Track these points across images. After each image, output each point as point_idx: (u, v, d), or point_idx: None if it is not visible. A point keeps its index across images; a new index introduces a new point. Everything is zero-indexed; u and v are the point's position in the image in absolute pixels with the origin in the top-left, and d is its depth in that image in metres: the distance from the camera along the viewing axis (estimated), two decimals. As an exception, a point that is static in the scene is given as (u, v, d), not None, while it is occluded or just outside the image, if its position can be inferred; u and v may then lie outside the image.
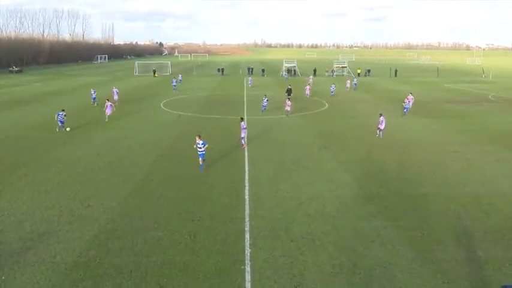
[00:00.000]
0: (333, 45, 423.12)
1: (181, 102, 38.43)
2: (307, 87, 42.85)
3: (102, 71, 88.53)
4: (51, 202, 13.53)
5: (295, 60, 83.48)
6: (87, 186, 15.03)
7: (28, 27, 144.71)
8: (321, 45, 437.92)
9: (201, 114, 31.36)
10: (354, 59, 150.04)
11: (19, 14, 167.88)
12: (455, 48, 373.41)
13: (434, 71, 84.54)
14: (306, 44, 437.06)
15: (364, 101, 40.23)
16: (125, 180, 15.77)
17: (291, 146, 21.32)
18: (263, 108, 31.89)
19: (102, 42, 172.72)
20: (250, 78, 58.40)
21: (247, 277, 9.32)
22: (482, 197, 14.26)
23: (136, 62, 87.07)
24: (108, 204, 13.36)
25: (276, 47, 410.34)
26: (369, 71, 79.51)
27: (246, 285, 9.03)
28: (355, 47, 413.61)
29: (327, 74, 76.62)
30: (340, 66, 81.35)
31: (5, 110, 32.79)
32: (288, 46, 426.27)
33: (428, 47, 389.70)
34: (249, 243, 10.81)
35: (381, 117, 23.08)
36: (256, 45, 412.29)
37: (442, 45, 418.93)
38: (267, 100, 32.37)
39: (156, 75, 71.44)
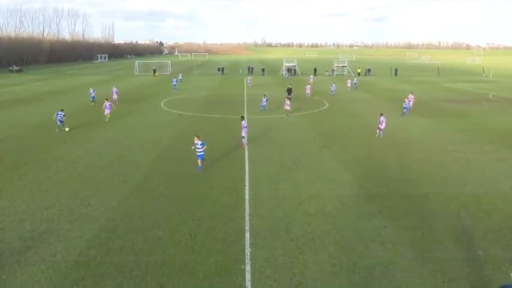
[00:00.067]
0: (333, 45, 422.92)
1: (182, 101, 38.43)
2: (308, 86, 42.78)
3: (102, 70, 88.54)
4: (52, 201, 13.54)
5: (296, 60, 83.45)
6: (87, 185, 15.04)
7: (28, 26, 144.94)
8: (321, 44, 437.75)
9: (201, 114, 31.36)
10: (354, 59, 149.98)
11: (19, 13, 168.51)
12: (456, 48, 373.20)
13: (435, 71, 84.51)
14: (306, 44, 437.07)
15: (365, 100, 40.22)
16: (125, 179, 15.78)
17: (291, 145, 21.32)
18: (262, 108, 31.80)
19: (102, 41, 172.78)
20: (249, 77, 58.32)
21: (248, 276, 9.33)
22: (482, 196, 14.26)
23: (136, 62, 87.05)
24: (108, 204, 13.37)
25: (276, 46, 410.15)
26: (369, 70, 79.49)
27: (246, 285, 9.04)
28: (355, 46, 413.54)
29: (327, 73, 76.61)
30: (341, 65, 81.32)
31: (5, 109, 32.80)
32: (288, 45, 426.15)
33: (429, 47, 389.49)
34: (249, 243, 10.82)
35: (381, 117, 23.08)
36: (256, 45, 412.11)
37: (442, 45, 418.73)
38: (266, 100, 32.26)
39: (156, 74, 71.44)
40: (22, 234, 11.22)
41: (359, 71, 76.20)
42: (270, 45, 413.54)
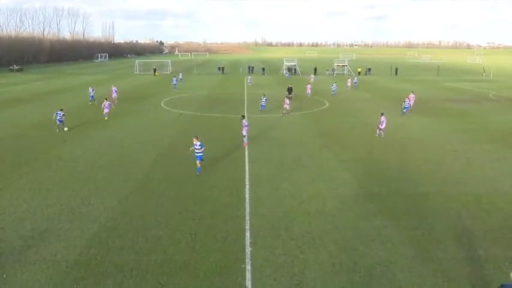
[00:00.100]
0: (334, 44, 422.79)
1: (182, 100, 38.43)
2: (309, 86, 42.51)
3: (102, 69, 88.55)
4: (52, 200, 13.55)
5: (296, 59, 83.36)
6: (87, 185, 15.05)
7: (28, 25, 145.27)
8: (321, 43, 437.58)
9: (201, 113, 31.36)
10: (354, 58, 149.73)
11: (19, 13, 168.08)
12: (456, 47, 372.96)
13: (435, 70, 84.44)
14: (306, 43, 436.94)
15: (365, 100, 40.20)
16: (125, 178, 15.78)
17: (291, 144, 21.32)
18: (262, 108, 31.59)
19: (103, 40, 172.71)
20: (249, 77, 58.20)
21: (248, 275, 9.33)
22: (482, 195, 14.26)
23: (136, 61, 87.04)
24: (108, 203, 13.37)
25: (276, 45, 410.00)
26: (369, 69, 79.43)
27: (247, 284, 9.04)
28: (355, 45, 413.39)
29: (327, 72, 76.55)
30: (341, 64, 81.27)
31: (5, 109, 32.80)
32: (289, 45, 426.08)
33: (429, 46, 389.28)
34: (250, 242, 10.82)
35: (382, 116, 23.03)
36: (256, 44, 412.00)
37: (442, 44, 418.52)
38: (266, 99, 32.06)
39: (156, 73, 71.42)
40: (22, 233, 11.23)
41: (359, 70, 76.14)
42: (270, 45, 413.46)
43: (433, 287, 9.00)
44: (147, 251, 10.39)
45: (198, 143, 15.98)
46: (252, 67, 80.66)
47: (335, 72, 76.32)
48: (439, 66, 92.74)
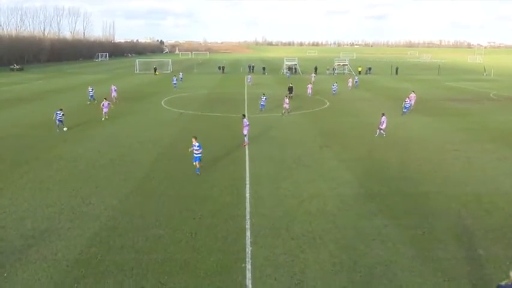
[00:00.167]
0: (334, 43, 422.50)
1: (182, 100, 38.43)
2: (309, 86, 42.14)
3: (102, 69, 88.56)
4: (53, 199, 13.57)
5: (296, 58, 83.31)
6: (88, 184, 15.06)
7: (29, 25, 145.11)
8: (322, 43, 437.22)
9: (201, 112, 31.36)
10: (354, 57, 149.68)
11: (20, 12, 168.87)
12: (457, 46, 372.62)
13: (436, 69, 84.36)
14: (307, 42, 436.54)
15: (365, 99, 40.18)
16: (126, 178, 15.79)
17: (291, 144, 21.32)
18: (262, 107, 31.49)
19: (103, 40, 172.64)
20: (249, 76, 58.09)
21: (248, 275, 9.34)
22: (483, 195, 14.25)
23: (137, 60, 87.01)
24: (109, 202, 13.38)
25: (277, 45, 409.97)
26: (369, 69, 79.41)
27: (247, 283, 9.05)
28: (356, 45, 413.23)
29: (328, 72, 76.50)
30: (341, 64, 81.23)
31: (6, 108, 32.83)
32: (289, 44, 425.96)
33: (430, 45, 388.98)
34: (250, 241, 10.83)
35: (383, 117, 22.96)
36: (257, 43, 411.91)
37: (443, 43, 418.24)
38: (266, 98, 31.99)
39: (157, 73, 71.42)
40: (23, 232, 11.24)
41: (360, 69, 76.11)
42: (270, 44, 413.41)
43: (434, 286, 9.01)
44: (147, 250, 10.40)
45: (197, 144, 15.86)
46: (253, 66, 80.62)
47: (335, 71, 76.26)
48: (439, 65, 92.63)
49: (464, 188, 14.95)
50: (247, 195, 14.11)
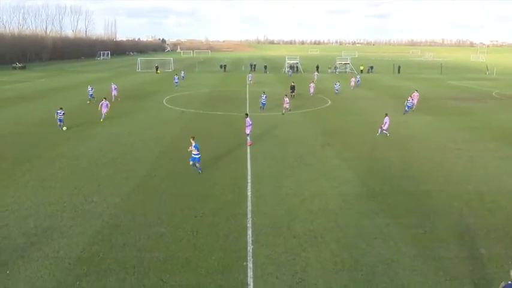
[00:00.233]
0: (336, 42, 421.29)
1: (184, 98, 38.45)
2: (312, 85, 41.73)
3: (104, 67, 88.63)
4: (55, 197, 13.61)
5: (298, 57, 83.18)
6: (90, 182, 15.10)
7: (31, 23, 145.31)
8: (323, 41, 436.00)
9: (203, 111, 31.36)
10: (356, 56, 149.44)
11: (22, 11, 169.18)
12: (459, 45, 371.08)
13: (438, 68, 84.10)
14: (308, 41, 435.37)
15: (367, 98, 40.10)
16: (128, 176, 15.82)
17: (293, 142, 21.30)
18: (262, 105, 31.14)
19: (105, 38, 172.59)
20: (250, 75, 57.91)
21: (250, 273, 9.35)
22: (485, 194, 14.22)
23: (139, 59, 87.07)
24: (111, 200, 13.42)
25: (278, 43, 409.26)
26: (371, 67, 79.22)
27: (248, 282, 9.06)
28: (357, 43, 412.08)
29: (329, 70, 76.33)
30: (343, 62, 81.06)
31: (8, 106, 32.92)
32: (291, 42, 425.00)
33: (432, 44, 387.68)
34: (251, 240, 10.84)
35: (386, 117, 22.87)
36: (258, 42, 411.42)
37: (445, 42, 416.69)
38: (266, 97, 31.76)
39: (158, 71, 71.43)
40: (26, 230, 11.28)
41: (362, 68, 75.95)
42: (272, 42, 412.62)
43: (435, 285, 9.00)
44: (149, 248, 10.42)
45: (193, 144, 15.65)
46: (254, 65, 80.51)
47: (337, 70, 76.12)
48: (442, 64, 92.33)
49: (467, 187, 14.91)
50: (249, 193, 14.12)
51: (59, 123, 23.88)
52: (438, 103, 36.53)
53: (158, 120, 27.56)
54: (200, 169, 16.08)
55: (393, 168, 17.18)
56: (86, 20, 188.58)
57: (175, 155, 18.72)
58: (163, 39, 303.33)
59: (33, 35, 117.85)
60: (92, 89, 35.85)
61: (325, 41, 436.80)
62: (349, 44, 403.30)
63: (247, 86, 50.37)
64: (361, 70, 74.56)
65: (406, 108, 30.40)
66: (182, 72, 58.34)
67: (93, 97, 34.99)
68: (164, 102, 35.91)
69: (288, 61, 76.91)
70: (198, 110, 31.64)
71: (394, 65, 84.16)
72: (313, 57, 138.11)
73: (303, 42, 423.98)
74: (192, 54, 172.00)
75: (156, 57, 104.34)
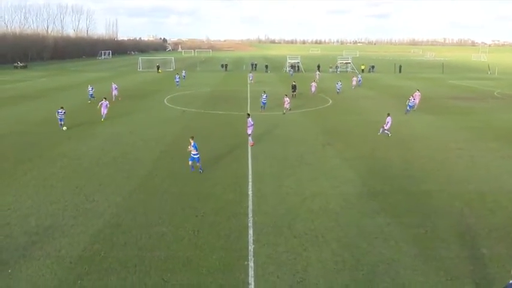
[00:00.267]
0: (337, 41, 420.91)
1: (185, 98, 38.47)
2: (313, 84, 41.66)
3: (105, 66, 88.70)
4: (56, 197, 13.64)
5: (299, 56, 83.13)
6: (91, 181, 15.13)
7: (32, 22, 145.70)
8: (324, 41, 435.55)
9: (204, 110, 31.38)
10: (357, 55, 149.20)
11: (23, 10, 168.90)
12: (461, 45, 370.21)
13: (439, 67, 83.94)
14: (309, 40, 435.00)
15: (369, 97, 40.06)
16: (129, 175, 15.85)
17: (294, 142, 21.30)
18: (263, 104, 31.07)
19: (106, 38, 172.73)
20: (251, 74, 57.87)
21: (251, 272, 9.36)
22: (486, 194, 14.20)
23: (140, 58, 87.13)
24: (112, 199, 13.44)
25: (279, 43, 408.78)
26: (373, 67, 79.14)
27: (249, 281, 9.07)
28: (359, 43, 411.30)
29: (331, 70, 76.28)
30: (344, 62, 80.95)
31: (10, 106, 32.97)
32: (292, 42, 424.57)
33: (433, 43, 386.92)
34: (253, 239, 10.85)
35: (388, 117, 22.84)
36: (259, 41, 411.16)
37: (447, 42, 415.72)
38: (266, 96, 31.68)
39: (160, 71, 71.45)
40: (27, 229, 11.31)
41: (363, 67, 75.86)
42: (273, 42, 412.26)
43: (436, 285, 9.00)
44: (150, 247, 10.44)
45: (192, 143, 15.63)
46: (255, 64, 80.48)
47: (338, 69, 76.06)
48: (443, 63, 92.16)
49: (468, 187, 14.90)
50: (250, 193, 14.13)
51: (59, 122, 23.90)
52: (439, 103, 36.47)
53: (159, 119, 27.59)
54: (201, 168, 16.10)
55: (394, 167, 17.17)
56: (87, 19, 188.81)
57: (177, 155, 18.73)
58: (164, 38, 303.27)
59: (34, 34, 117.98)
60: (92, 88, 35.83)
61: (326, 41, 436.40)
62: (350, 43, 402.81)
63: (248, 85, 50.37)
64: (363, 69, 74.47)
65: (408, 107, 30.36)
66: (183, 71, 58.37)
67: (93, 97, 35.00)
68: (165, 101, 35.93)
69: (289, 60, 76.89)
70: (199, 110, 31.65)
71: (395, 64, 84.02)
72: (315, 57, 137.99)
73: (304, 42, 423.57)
74: (193, 54, 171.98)
75: (157, 57, 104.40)
